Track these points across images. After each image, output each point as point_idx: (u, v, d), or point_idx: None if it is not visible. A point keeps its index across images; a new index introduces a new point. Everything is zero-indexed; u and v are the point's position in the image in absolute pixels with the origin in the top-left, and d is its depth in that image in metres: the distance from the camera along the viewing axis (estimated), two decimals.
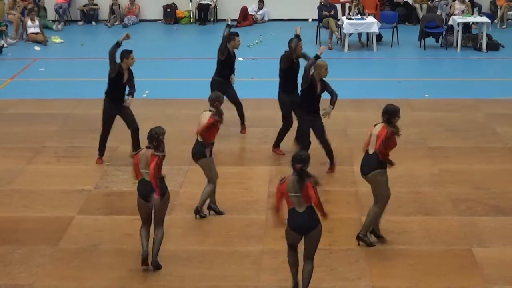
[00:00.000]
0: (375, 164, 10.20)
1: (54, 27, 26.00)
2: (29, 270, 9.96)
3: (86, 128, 15.29)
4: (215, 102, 11.21)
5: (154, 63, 20.46)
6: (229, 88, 14.38)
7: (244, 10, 26.78)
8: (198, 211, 11.45)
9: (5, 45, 23.18)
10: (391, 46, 23.15)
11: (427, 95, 17.38)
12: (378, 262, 10.08)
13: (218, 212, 11.56)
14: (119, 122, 13.52)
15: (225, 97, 12.19)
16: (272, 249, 10.42)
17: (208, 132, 11.17)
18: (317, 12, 23.80)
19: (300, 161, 8.87)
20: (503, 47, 22.60)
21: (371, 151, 10.25)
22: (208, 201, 11.52)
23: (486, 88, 18.41)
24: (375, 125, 10.36)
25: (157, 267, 9.99)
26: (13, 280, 9.73)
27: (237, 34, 14.50)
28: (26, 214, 11.63)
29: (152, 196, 9.65)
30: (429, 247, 10.49)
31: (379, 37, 23.27)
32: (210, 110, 11.21)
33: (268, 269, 9.94)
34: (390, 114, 10.12)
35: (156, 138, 9.78)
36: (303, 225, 8.93)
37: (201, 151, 11.28)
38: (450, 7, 24.15)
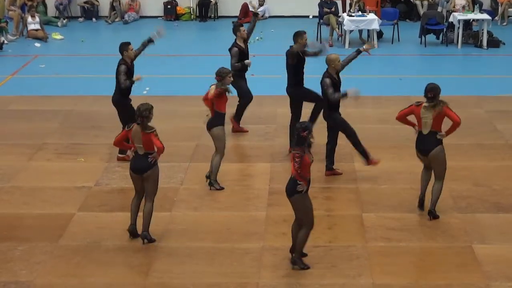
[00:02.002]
0: (435, 142, 10.93)
1: (59, 23, 25.99)
2: (30, 267, 9.96)
3: (87, 125, 15.30)
4: (217, 76, 12.09)
5: (154, 60, 20.43)
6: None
7: (245, 7, 26.76)
8: (212, 184, 12.24)
9: (6, 41, 23.19)
10: (392, 43, 23.14)
11: None
12: (379, 259, 10.08)
13: (218, 188, 12.23)
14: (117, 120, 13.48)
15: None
16: (273, 246, 10.42)
17: (218, 103, 11.94)
18: (318, 9, 23.80)
19: (306, 129, 9.28)
20: (504, 44, 22.60)
21: (426, 132, 10.93)
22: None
23: (486, 85, 18.40)
24: (417, 105, 10.99)
25: (149, 240, 10.45)
26: (14, 277, 9.73)
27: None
28: (27, 211, 11.63)
29: (144, 169, 10.29)
30: (429, 244, 10.49)
31: (379, 34, 23.26)
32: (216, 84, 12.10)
33: (268, 266, 9.94)
34: (437, 90, 10.90)
35: (139, 114, 10.21)
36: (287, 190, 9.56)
37: (217, 121, 12.05)
38: (451, 4, 24.15)
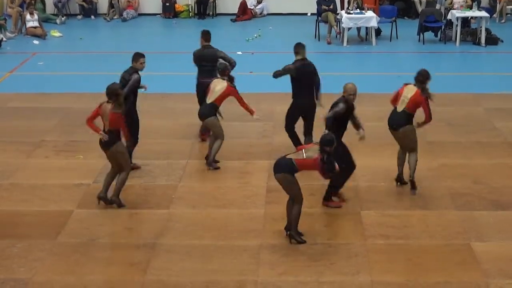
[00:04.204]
0: (404, 121, 11.63)
1: (57, 21, 25.98)
2: (28, 264, 9.96)
3: (85, 122, 15.25)
4: (226, 71, 12.91)
5: (153, 57, 20.36)
6: None
7: (243, 4, 26.77)
8: (210, 164, 12.91)
9: (4, 39, 23.15)
10: (390, 41, 23.14)
11: None
12: (377, 257, 10.08)
13: (215, 168, 12.92)
14: None
15: None
16: (271, 243, 10.43)
17: (222, 97, 12.80)
18: (316, 6, 23.78)
19: (328, 144, 10.00)
20: (502, 41, 22.60)
21: (400, 109, 11.70)
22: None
23: (485, 83, 18.41)
24: (406, 85, 11.79)
25: (119, 204, 11.44)
26: (13, 274, 9.74)
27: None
28: (25, 208, 11.63)
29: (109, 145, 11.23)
30: (428, 242, 10.50)
31: (378, 31, 23.26)
32: (223, 79, 12.87)
33: (267, 263, 9.94)
34: (425, 77, 11.59)
35: (116, 93, 11.15)
36: (275, 166, 10.26)
37: (211, 112, 12.76)
38: (448, 1, 24.16)
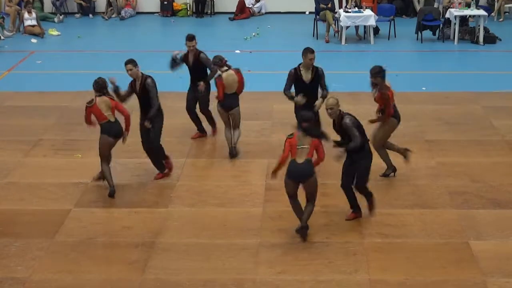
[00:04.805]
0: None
1: (55, 19, 25.95)
2: (26, 263, 9.96)
3: (83, 121, 15.20)
4: (223, 61, 13.06)
5: (151, 56, 20.41)
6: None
7: (241, 3, 26.72)
8: (232, 153, 13.30)
9: (2, 37, 23.15)
10: (388, 39, 23.12)
11: (424, 88, 17.38)
12: (375, 255, 10.09)
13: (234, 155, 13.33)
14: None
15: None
16: (269, 241, 10.43)
17: (240, 86, 13.18)
18: (314, 5, 23.77)
19: (306, 120, 10.22)
20: (500, 40, 22.59)
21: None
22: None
23: (483, 81, 18.39)
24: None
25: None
26: (10, 273, 9.73)
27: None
28: (23, 207, 11.62)
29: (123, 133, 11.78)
30: (426, 240, 10.50)
31: (376, 30, 23.24)
32: (226, 70, 13.03)
33: (265, 261, 9.95)
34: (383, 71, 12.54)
35: (105, 86, 11.72)
36: (302, 174, 10.16)
37: (236, 102, 13.16)
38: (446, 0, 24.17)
